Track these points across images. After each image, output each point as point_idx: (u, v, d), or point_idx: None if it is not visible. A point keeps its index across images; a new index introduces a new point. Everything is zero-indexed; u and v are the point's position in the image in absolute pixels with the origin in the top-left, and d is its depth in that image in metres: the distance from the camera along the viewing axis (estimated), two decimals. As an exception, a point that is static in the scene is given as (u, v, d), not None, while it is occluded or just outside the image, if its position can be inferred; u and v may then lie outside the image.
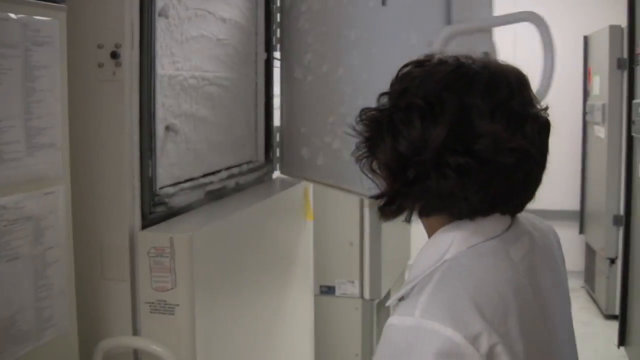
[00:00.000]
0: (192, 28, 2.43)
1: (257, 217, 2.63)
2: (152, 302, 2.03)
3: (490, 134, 1.18)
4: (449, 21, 2.14)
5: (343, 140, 2.59)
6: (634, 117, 4.35)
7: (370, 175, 1.31)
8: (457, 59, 1.27)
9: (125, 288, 2.06)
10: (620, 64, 5.22)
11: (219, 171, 2.64)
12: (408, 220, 1.29)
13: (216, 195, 2.57)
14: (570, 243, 6.29)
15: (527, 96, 1.25)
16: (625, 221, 4.63)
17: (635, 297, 4.45)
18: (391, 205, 1.27)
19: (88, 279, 2.04)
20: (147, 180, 2.13)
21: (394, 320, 1.14)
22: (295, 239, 3.08)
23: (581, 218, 6.35)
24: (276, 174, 3.13)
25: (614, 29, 5.23)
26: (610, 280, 5.48)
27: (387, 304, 1.19)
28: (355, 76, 2.58)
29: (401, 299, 1.27)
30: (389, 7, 2.45)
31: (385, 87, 1.31)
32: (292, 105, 3.02)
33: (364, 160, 1.30)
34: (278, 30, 3.05)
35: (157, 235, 2.05)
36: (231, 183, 2.70)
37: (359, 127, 1.29)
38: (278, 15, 3.04)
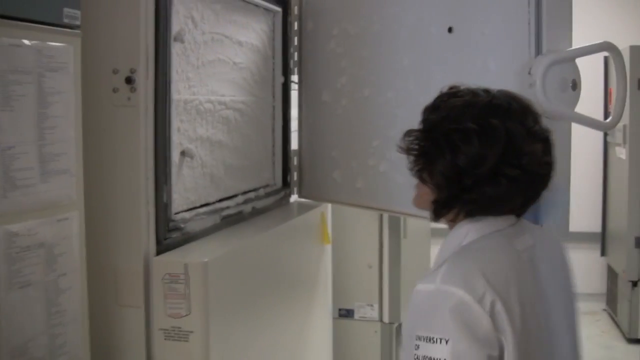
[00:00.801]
0: (209, 52, 2.43)
1: (275, 242, 2.61)
2: (167, 329, 2.01)
3: (532, 152, 1.51)
4: (539, 51, 2.25)
5: (392, 163, 2.59)
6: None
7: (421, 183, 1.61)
8: (487, 91, 1.57)
9: (140, 314, 2.05)
10: (641, 85, 5.18)
11: (235, 196, 2.63)
12: (453, 220, 1.59)
13: (233, 220, 2.56)
14: (591, 265, 6.20)
15: (541, 122, 1.58)
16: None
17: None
18: (443, 207, 1.58)
19: (102, 306, 2.03)
20: (162, 206, 2.11)
21: (420, 287, 1.47)
22: (314, 263, 3.06)
23: (603, 240, 6.27)
24: (293, 197, 3.11)
25: (634, 49, 5.19)
26: (632, 304, 5.41)
27: (418, 282, 1.49)
28: (410, 100, 2.56)
29: None
30: (456, 34, 2.46)
31: None
32: (317, 128, 3.01)
33: (415, 171, 1.60)
34: (296, 54, 3.05)
35: (171, 262, 2.04)
36: (248, 208, 2.68)
37: (410, 145, 1.58)
38: (296, 38, 3.04)
